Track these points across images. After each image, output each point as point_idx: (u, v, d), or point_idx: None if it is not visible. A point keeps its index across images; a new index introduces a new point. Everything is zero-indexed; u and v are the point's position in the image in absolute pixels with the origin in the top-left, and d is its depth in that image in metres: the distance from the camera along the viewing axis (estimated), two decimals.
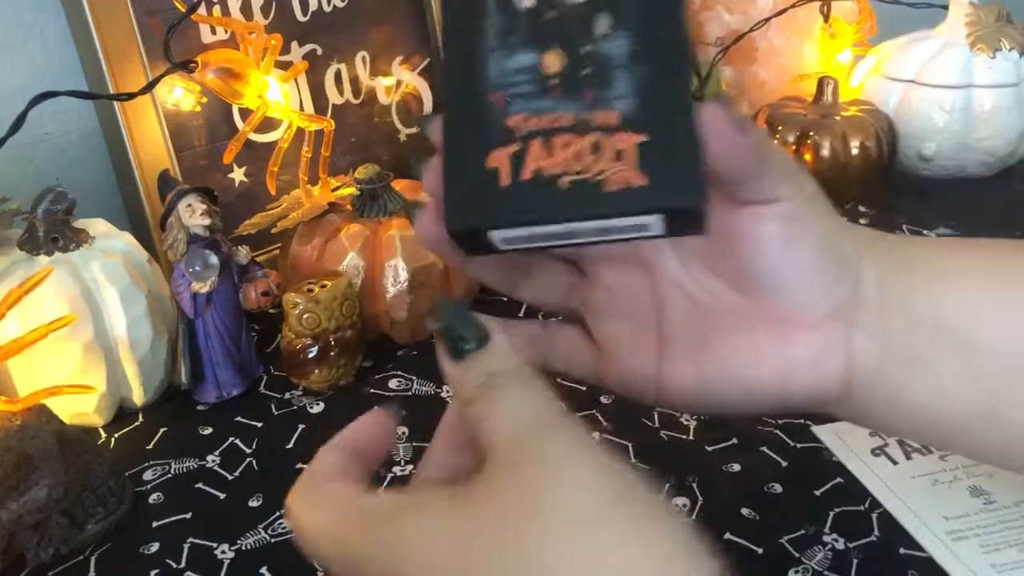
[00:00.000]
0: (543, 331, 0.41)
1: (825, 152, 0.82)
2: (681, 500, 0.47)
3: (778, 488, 0.48)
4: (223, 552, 0.46)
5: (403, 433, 0.54)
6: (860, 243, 0.38)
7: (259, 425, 0.57)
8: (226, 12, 0.70)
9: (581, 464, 0.27)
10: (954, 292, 0.37)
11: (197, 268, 0.56)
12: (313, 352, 0.58)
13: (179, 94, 0.68)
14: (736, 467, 0.50)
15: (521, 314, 0.62)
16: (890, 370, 0.37)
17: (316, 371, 0.58)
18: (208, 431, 0.57)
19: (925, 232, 0.79)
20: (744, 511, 0.46)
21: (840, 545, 0.44)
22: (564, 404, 0.29)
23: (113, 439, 0.56)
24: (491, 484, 0.27)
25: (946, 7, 0.91)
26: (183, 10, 0.61)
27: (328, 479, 0.33)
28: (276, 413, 0.58)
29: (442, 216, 0.32)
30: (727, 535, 0.45)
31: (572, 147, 0.31)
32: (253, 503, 0.50)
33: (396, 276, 0.62)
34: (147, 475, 0.53)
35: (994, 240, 0.41)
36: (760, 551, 0.44)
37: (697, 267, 0.39)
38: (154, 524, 0.49)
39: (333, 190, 0.70)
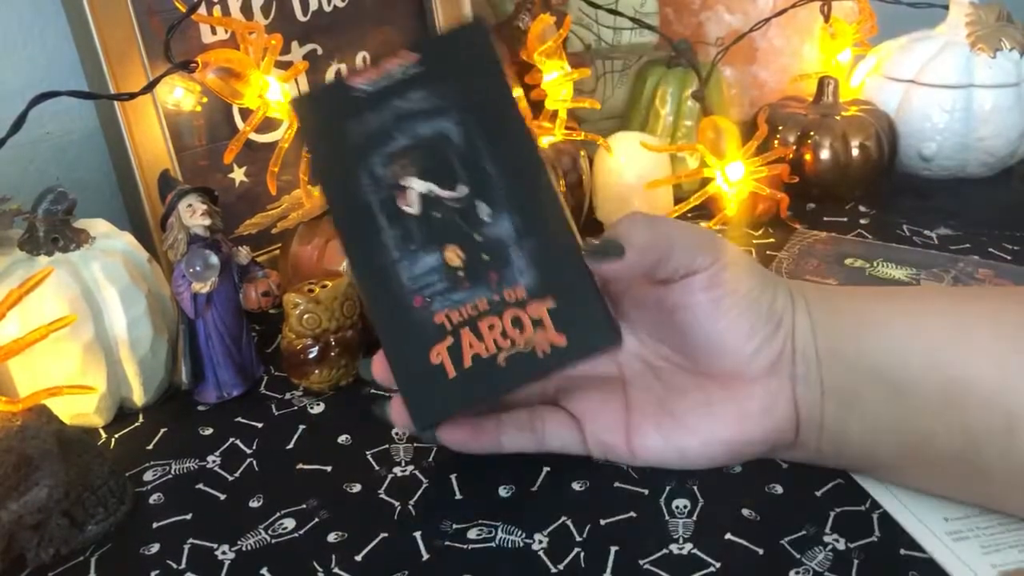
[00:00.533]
0: (530, 416, 0.47)
1: (825, 152, 0.82)
2: (682, 501, 0.47)
3: (779, 489, 0.48)
4: (223, 553, 0.46)
5: (403, 434, 0.54)
6: (789, 297, 0.42)
7: (259, 426, 0.57)
8: (226, 12, 0.70)
9: None
10: (879, 338, 0.40)
11: (197, 268, 0.56)
12: (313, 352, 0.58)
13: (179, 94, 0.68)
14: (737, 468, 0.50)
15: None
16: (829, 414, 0.41)
17: (317, 371, 0.58)
18: (208, 432, 0.57)
19: (926, 232, 0.79)
20: (745, 512, 0.46)
21: (841, 546, 0.44)
22: None
23: (113, 439, 0.56)
24: None
25: (946, 7, 0.91)
26: (183, 10, 0.61)
27: None
28: (276, 414, 0.58)
29: (409, 415, 0.39)
30: (728, 536, 0.45)
31: (496, 328, 0.36)
32: (253, 503, 0.50)
33: None
34: (147, 476, 0.53)
35: (911, 288, 0.47)
36: (760, 552, 0.44)
37: (649, 339, 0.44)
38: (154, 525, 0.49)
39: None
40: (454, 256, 0.36)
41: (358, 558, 0.45)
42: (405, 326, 0.36)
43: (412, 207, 0.35)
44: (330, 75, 0.77)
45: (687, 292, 0.40)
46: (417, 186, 0.35)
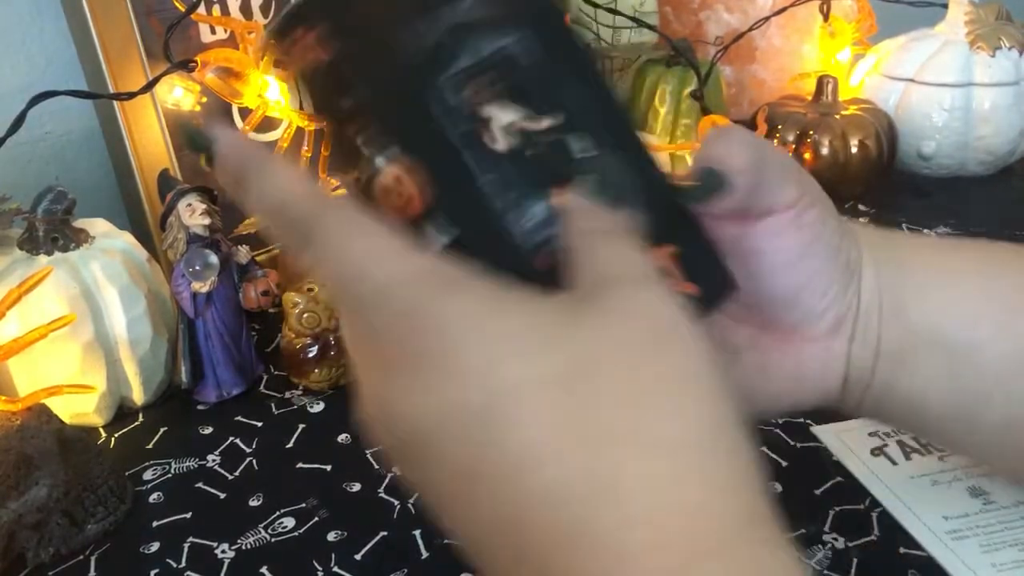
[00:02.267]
0: None
1: (825, 151, 0.82)
2: None
3: (778, 487, 0.48)
4: (223, 552, 0.46)
5: None
6: (861, 246, 0.38)
7: (259, 425, 0.57)
8: (225, 11, 0.70)
9: (693, 337, 0.24)
10: (947, 298, 0.36)
11: (197, 268, 0.56)
12: (313, 352, 0.58)
13: (179, 93, 0.68)
14: None
15: None
16: (880, 373, 0.37)
17: (316, 370, 0.58)
18: (208, 431, 0.57)
19: (925, 231, 0.79)
20: None
21: (840, 544, 0.44)
22: None
23: (113, 439, 0.56)
24: (600, 315, 0.24)
25: (946, 6, 0.91)
26: (183, 9, 0.61)
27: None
28: (276, 413, 0.58)
29: None
30: None
31: None
32: (253, 503, 0.50)
33: None
34: (147, 475, 0.53)
35: (982, 244, 0.41)
36: None
37: None
38: (154, 524, 0.49)
39: (333, 189, 0.70)
40: (562, 199, 0.28)
41: (358, 557, 0.45)
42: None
43: (499, 143, 0.27)
44: None
45: (772, 234, 0.34)
46: (501, 116, 0.28)
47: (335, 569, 0.45)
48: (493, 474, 0.22)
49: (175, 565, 0.46)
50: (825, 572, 0.42)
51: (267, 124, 0.71)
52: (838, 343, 0.37)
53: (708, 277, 0.32)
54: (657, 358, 0.23)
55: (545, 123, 0.28)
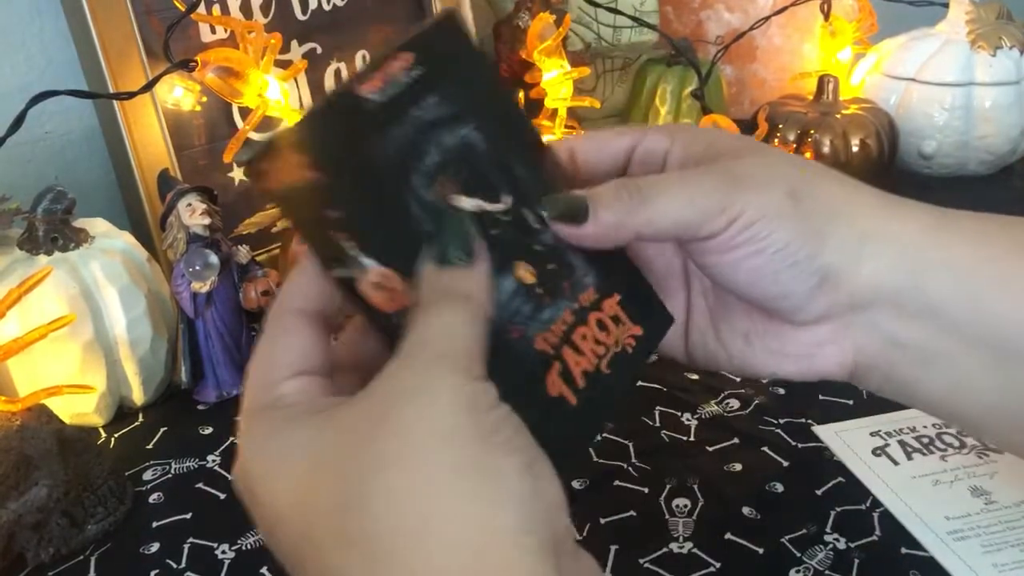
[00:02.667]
0: None
1: (826, 150, 0.82)
2: (682, 500, 0.47)
3: (779, 488, 0.48)
4: (223, 552, 0.46)
5: None
6: (855, 241, 0.36)
7: None
8: (225, 11, 0.70)
9: (444, 391, 0.26)
10: (987, 300, 0.34)
11: (197, 267, 0.56)
12: None
13: (179, 93, 0.68)
14: (737, 467, 0.50)
15: None
16: (902, 369, 0.36)
17: None
18: (208, 431, 0.56)
19: None
20: (745, 511, 0.46)
21: (841, 545, 0.44)
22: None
23: (113, 439, 0.56)
24: (356, 401, 0.27)
25: (946, 5, 0.91)
26: (183, 9, 0.61)
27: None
28: None
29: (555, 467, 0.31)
30: (728, 535, 0.45)
31: (588, 337, 0.33)
32: None
33: None
34: (147, 475, 0.53)
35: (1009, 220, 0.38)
36: (761, 551, 0.44)
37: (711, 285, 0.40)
38: (154, 524, 0.49)
39: None
40: (527, 274, 0.32)
41: None
42: (517, 366, 0.31)
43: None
44: (330, 74, 0.77)
45: (698, 254, 0.35)
46: (466, 204, 0.30)
47: None
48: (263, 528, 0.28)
49: (175, 565, 0.46)
50: (827, 572, 0.42)
51: (267, 124, 0.71)
52: (834, 327, 0.36)
53: (648, 316, 0.36)
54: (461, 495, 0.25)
55: (502, 204, 0.32)
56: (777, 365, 0.39)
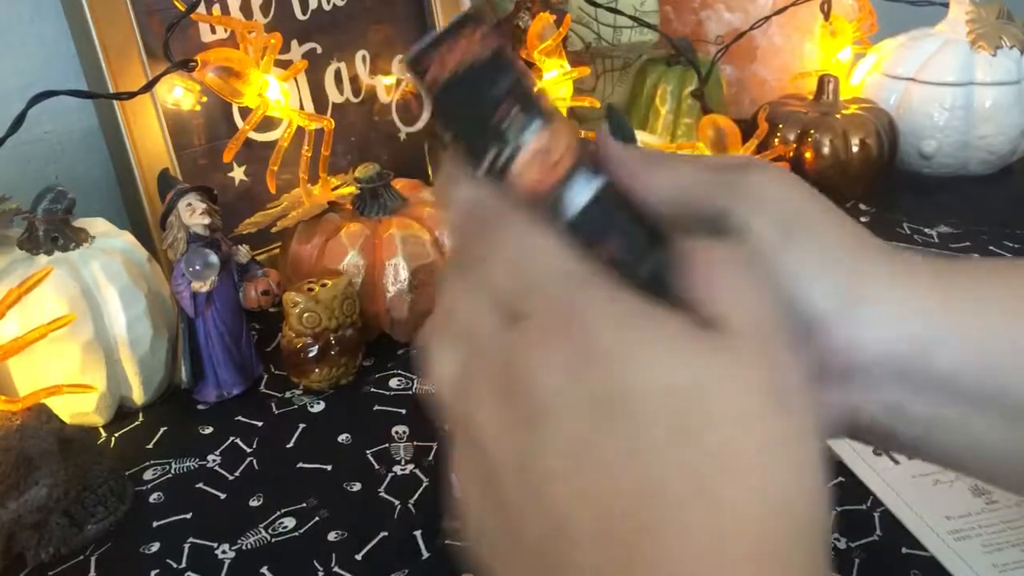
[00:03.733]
0: None
1: (826, 150, 0.82)
2: None
3: None
4: (223, 552, 0.46)
5: (403, 433, 0.54)
6: (855, 294, 0.32)
7: (259, 424, 0.57)
8: (225, 11, 0.70)
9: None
10: (979, 355, 0.32)
11: (197, 267, 0.56)
12: (313, 351, 0.58)
13: (179, 93, 0.68)
14: None
15: None
16: (903, 430, 0.33)
17: (316, 370, 0.58)
18: (208, 431, 0.56)
19: (926, 230, 0.79)
20: None
21: (842, 544, 0.44)
22: None
23: (113, 439, 0.56)
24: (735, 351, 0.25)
25: (947, 5, 0.91)
26: (183, 9, 0.61)
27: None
28: (276, 412, 0.58)
29: None
30: None
31: None
32: (253, 503, 0.50)
33: (396, 275, 0.62)
34: (147, 475, 0.53)
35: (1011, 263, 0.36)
36: None
37: None
38: (154, 524, 0.49)
39: (333, 189, 0.70)
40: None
41: (358, 557, 0.45)
42: None
43: None
44: (330, 74, 0.77)
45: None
46: None
47: (335, 569, 0.45)
48: (602, 457, 0.24)
49: (175, 565, 0.46)
50: None
51: (267, 123, 0.71)
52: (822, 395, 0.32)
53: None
54: (771, 417, 0.24)
55: None
56: None
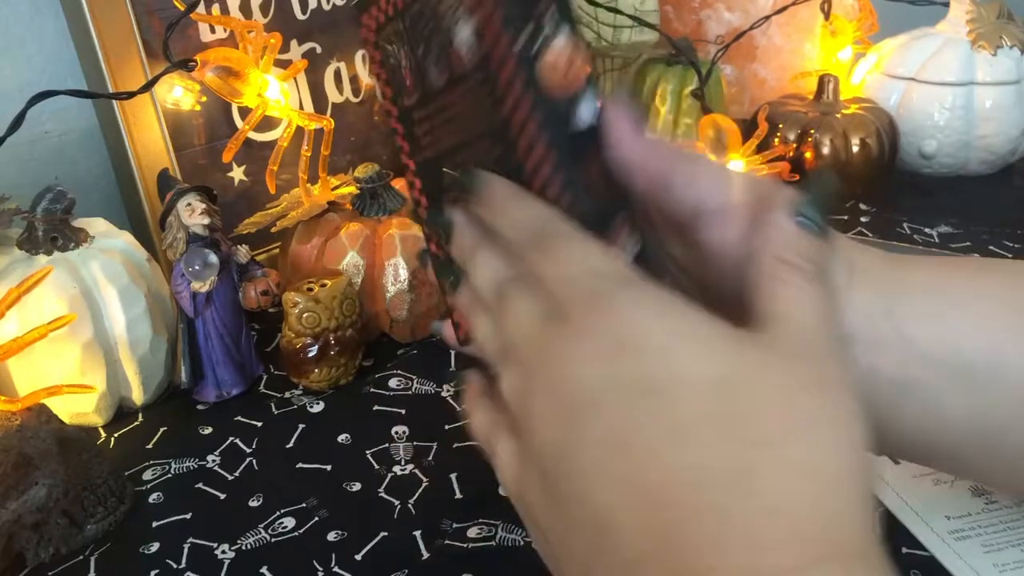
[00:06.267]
0: None
1: (826, 150, 0.82)
2: None
3: None
4: (223, 552, 0.46)
5: (403, 433, 0.54)
6: (848, 272, 0.34)
7: (259, 425, 0.57)
8: (225, 11, 0.70)
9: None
10: (964, 320, 0.34)
11: (196, 267, 0.56)
12: (313, 351, 0.58)
13: (178, 93, 0.68)
14: None
15: None
16: (879, 400, 0.35)
17: (316, 370, 0.58)
18: (208, 431, 0.56)
19: (926, 230, 0.78)
20: None
21: None
22: None
23: (113, 439, 0.56)
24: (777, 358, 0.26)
25: (947, 4, 0.91)
26: (182, 9, 0.61)
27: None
28: (276, 412, 0.58)
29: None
30: None
31: None
32: (253, 503, 0.50)
33: (396, 275, 0.62)
34: (147, 475, 0.53)
35: (996, 263, 0.39)
36: None
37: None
38: (154, 524, 0.49)
39: (333, 189, 0.70)
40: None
41: (358, 557, 0.45)
42: None
43: None
44: (330, 74, 0.77)
45: (703, 231, 0.35)
46: None
47: (335, 569, 0.45)
48: (642, 445, 0.24)
49: (175, 565, 0.46)
50: None
51: (267, 123, 0.71)
52: None
53: None
54: (813, 398, 0.25)
55: None
56: None
